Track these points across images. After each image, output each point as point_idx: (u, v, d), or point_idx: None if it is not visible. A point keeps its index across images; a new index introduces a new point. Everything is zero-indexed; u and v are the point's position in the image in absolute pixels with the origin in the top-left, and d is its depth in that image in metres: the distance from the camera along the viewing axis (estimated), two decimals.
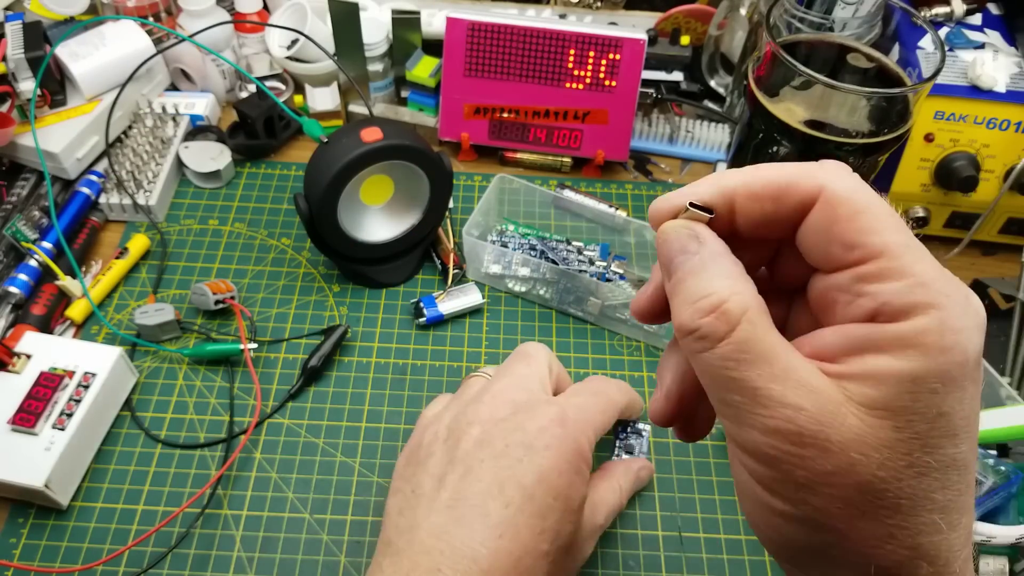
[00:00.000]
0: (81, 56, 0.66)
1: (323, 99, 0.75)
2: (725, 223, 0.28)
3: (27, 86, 0.65)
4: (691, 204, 0.28)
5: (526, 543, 0.38)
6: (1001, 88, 0.60)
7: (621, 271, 0.63)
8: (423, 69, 0.72)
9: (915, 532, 0.24)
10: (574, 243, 0.64)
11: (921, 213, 0.65)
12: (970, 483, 0.25)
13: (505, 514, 0.38)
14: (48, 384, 0.51)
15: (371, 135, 0.55)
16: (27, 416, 0.49)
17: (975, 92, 0.60)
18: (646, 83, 0.72)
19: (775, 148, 0.55)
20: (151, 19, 0.73)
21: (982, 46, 0.64)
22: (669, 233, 0.28)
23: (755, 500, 0.26)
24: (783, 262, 0.29)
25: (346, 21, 0.66)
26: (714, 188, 0.28)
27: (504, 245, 0.64)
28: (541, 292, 0.62)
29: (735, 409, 0.25)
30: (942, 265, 0.24)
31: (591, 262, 0.62)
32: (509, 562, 0.37)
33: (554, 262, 0.61)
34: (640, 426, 0.55)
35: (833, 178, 0.25)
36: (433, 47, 0.73)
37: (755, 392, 0.24)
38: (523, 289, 0.63)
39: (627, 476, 0.49)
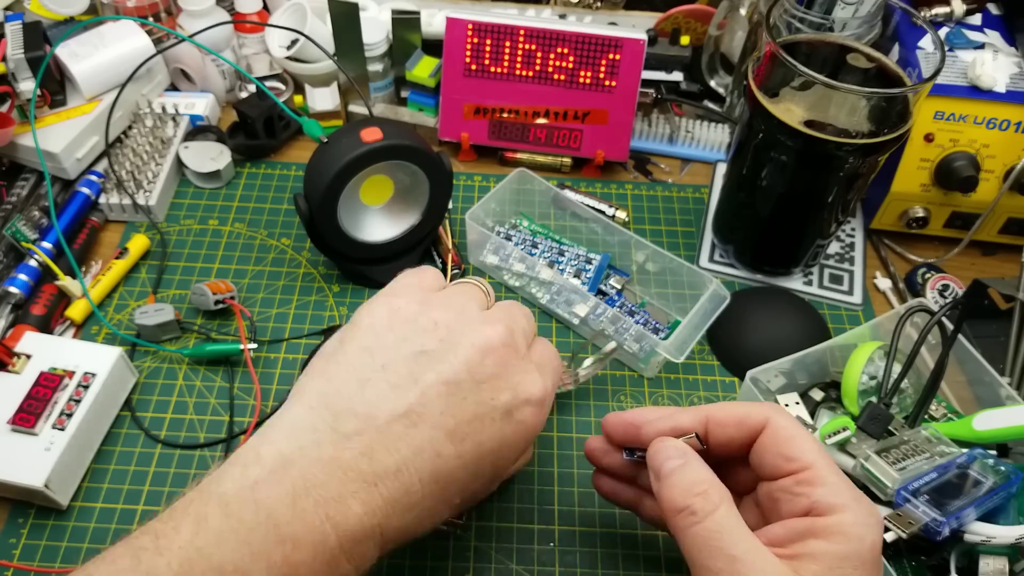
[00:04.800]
0: (81, 56, 0.66)
1: (323, 99, 0.75)
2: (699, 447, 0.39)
3: (27, 86, 0.65)
4: (696, 435, 0.39)
5: (448, 496, 0.38)
6: (1001, 88, 0.60)
7: (619, 287, 0.62)
8: (423, 69, 0.72)
9: None
10: (581, 251, 0.64)
11: (921, 213, 0.65)
12: None
13: (448, 464, 0.37)
14: (48, 384, 0.51)
15: (371, 135, 0.55)
16: (27, 416, 0.49)
17: (975, 92, 0.60)
18: (646, 83, 0.72)
19: (776, 152, 0.55)
20: (151, 19, 0.73)
21: (982, 46, 0.64)
22: (663, 443, 0.39)
23: None
24: (738, 473, 0.40)
25: (346, 21, 0.66)
26: (697, 417, 0.39)
27: (507, 238, 0.64)
28: (533, 291, 0.63)
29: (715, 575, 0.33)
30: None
31: (582, 271, 0.63)
32: (424, 502, 0.37)
33: (553, 262, 0.61)
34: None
35: (775, 413, 0.38)
36: (433, 47, 0.73)
37: (733, 559, 0.33)
38: (518, 284, 0.63)
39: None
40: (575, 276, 0.62)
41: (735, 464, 0.40)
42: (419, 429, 0.36)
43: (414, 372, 0.37)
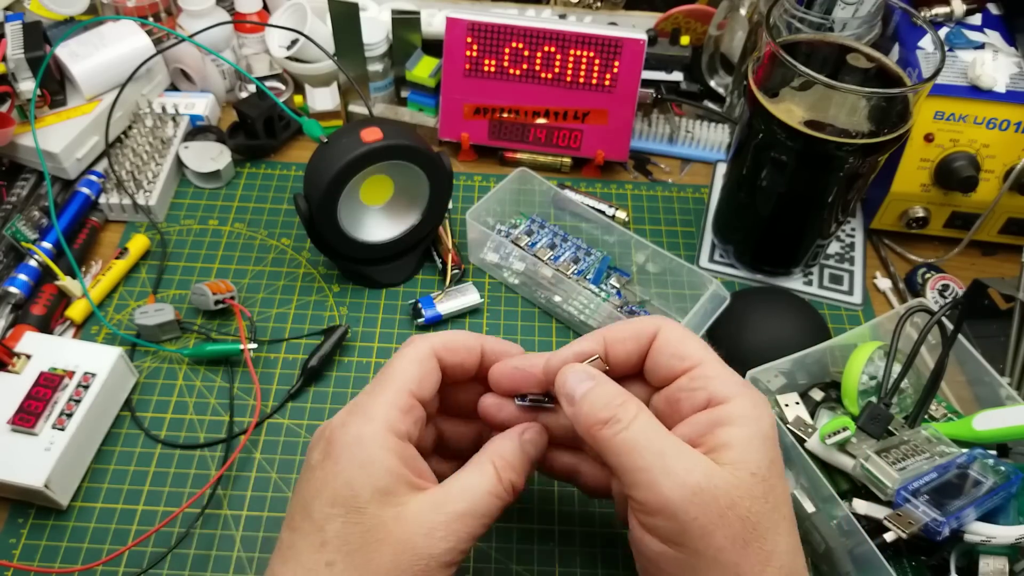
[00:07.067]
0: (81, 56, 0.66)
1: (323, 99, 0.75)
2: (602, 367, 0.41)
3: (27, 86, 0.65)
4: (599, 357, 0.40)
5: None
6: (1001, 88, 0.60)
7: (619, 287, 0.62)
8: (423, 69, 0.73)
9: (773, 553, 0.34)
10: (582, 248, 0.64)
11: (921, 213, 0.65)
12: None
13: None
14: (48, 384, 0.51)
15: (371, 135, 0.55)
16: (27, 416, 0.49)
17: (975, 92, 0.60)
18: (646, 83, 0.72)
19: (777, 152, 0.55)
20: (151, 19, 0.73)
21: (982, 46, 0.64)
22: (571, 369, 0.39)
23: (652, 553, 0.35)
24: (635, 393, 0.41)
25: (346, 21, 0.67)
26: (596, 340, 0.41)
27: (507, 237, 0.64)
28: (532, 290, 0.63)
29: (647, 473, 0.34)
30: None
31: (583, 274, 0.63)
32: None
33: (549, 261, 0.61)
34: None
35: (665, 322, 0.40)
36: (433, 47, 0.73)
37: (662, 454, 0.34)
38: (516, 282, 0.63)
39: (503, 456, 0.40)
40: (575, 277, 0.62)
41: (630, 384, 0.41)
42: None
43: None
